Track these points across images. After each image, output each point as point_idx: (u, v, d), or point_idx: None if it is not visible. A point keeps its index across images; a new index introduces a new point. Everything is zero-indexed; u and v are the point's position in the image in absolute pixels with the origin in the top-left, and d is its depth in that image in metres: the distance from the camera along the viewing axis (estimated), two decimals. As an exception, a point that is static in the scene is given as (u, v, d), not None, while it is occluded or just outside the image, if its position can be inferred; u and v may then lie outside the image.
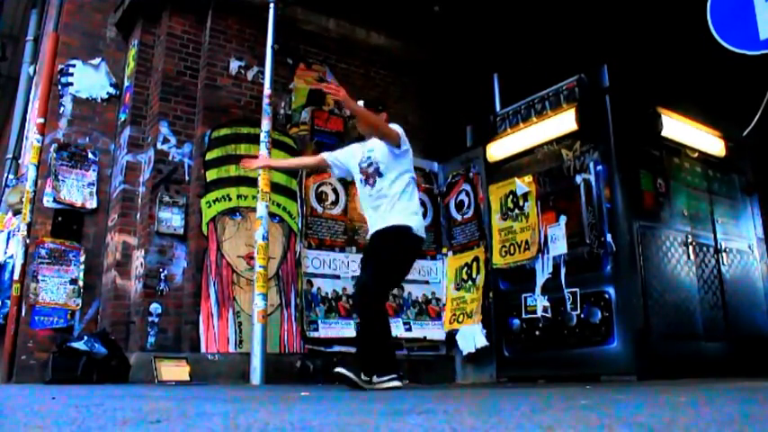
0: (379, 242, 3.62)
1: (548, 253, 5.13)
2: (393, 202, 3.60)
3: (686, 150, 5.47)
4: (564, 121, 5.21)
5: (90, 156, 5.59)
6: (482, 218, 5.92)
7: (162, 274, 5.06)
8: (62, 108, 5.55)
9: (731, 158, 5.86)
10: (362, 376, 3.41)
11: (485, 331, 5.60)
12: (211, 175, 5.31)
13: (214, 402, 2.33)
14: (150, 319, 4.93)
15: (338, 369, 3.44)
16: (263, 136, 4.93)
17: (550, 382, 4.81)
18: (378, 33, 6.47)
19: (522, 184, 5.44)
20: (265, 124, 4.95)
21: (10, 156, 6.94)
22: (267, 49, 5.16)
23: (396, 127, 3.76)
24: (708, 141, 5.71)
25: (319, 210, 5.76)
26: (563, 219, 5.07)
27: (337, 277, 5.66)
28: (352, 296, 3.73)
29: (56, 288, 5.18)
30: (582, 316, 4.79)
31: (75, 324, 5.20)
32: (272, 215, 5.05)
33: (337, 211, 5.86)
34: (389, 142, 3.67)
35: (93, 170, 5.57)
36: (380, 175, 3.67)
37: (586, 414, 1.67)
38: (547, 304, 5.07)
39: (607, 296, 4.67)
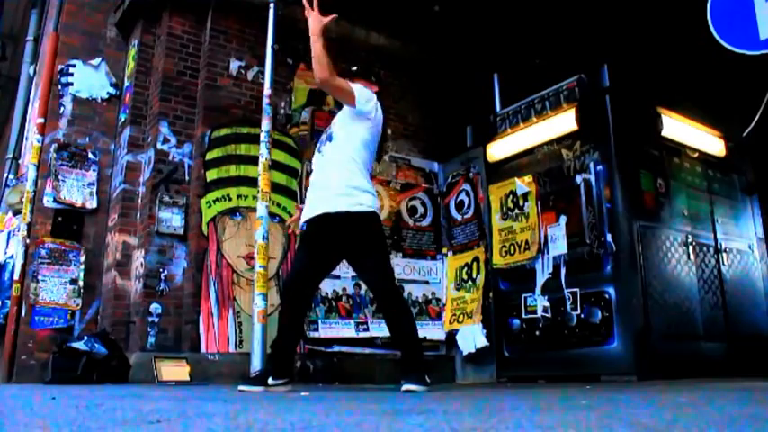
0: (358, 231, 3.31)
1: (548, 253, 5.13)
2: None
3: (686, 150, 5.47)
4: (564, 121, 5.21)
5: (90, 156, 5.59)
6: (482, 218, 5.92)
7: (162, 274, 5.06)
8: (62, 108, 5.55)
9: (731, 158, 5.86)
10: (271, 379, 3.35)
11: (485, 331, 5.60)
12: (211, 175, 5.31)
13: (214, 402, 2.32)
14: (150, 319, 4.93)
15: (241, 387, 3.34)
16: (263, 136, 4.93)
17: (550, 382, 4.81)
18: (378, 33, 6.47)
19: (522, 184, 5.44)
20: (265, 124, 4.94)
21: (10, 156, 6.94)
22: (267, 49, 5.15)
23: (358, 87, 3.37)
24: (708, 141, 5.71)
25: (319, 210, 5.76)
26: (563, 219, 5.07)
27: (337, 277, 5.65)
28: (382, 300, 3.40)
29: (56, 288, 5.18)
30: (582, 316, 4.79)
31: (75, 324, 5.19)
32: (272, 215, 5.04)
33: (337, 211, 5.86)
34: (345, 101, 3.33)
35: (94, 170, 5.57)
36: (330, 139, 3.41)
37: (586, 414, 1.67)
38: (547, 304, 5.07)
39: (607, 296, 4.67)
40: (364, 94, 3.37)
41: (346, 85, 3.34)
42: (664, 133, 5.21)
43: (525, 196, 5.41)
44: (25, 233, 5.15)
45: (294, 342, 3.64)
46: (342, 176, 3.33)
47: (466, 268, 5.98)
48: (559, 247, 5.04)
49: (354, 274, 5.80)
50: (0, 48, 8.11)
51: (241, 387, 3.39)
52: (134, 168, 5.44)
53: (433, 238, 6.33)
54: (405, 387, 3.17)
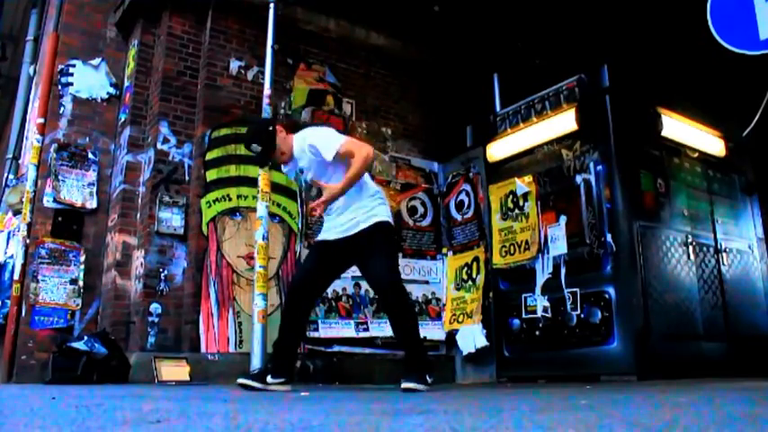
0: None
1: (548, 253, 5.13)
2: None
3: (686, 150, 5.47)
4: (564, 121, 5.21)
5: (90, 156, 5.59)
6: (482, 218, 5.92)
7: (162, 274, 5.06)
8: (62, 108, 5.54)
9: (731, 158, 5.86)
10: (271, 378, 3.38)
11: (485, 331, 5.60)
12: (211, 175, 5.31)
13: (214, 402, 2.33)
14: (150, 319, 4.93)
15: (240, 380, 3.40)
16: (263, 136, 4.93)
17: (550, 382, 4.81)
18: (378, 33, 6.47)
19: (522, 184, 5.43)
20: (265, 124, 4.94)
21: (10, 156, 6.93)
22: (267, 49, 5.16)
23: (338, 142, 3.39)
24: (708, 141, 5.71)
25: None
26: (563, 219, 5.07)
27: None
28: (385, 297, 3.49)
29: (56, 288, 5.17)
30: (582, 316, 4.79)
31: (75, 324, 5.19)
32: (272, 215, 5.04)
33: (337, 211, 5.85)
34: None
35: (93, 170, 5.56)
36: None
37: (586, 414, 1.67)
38: (547, 304, 5.07)
39: (607, 296, 4.67)
40: (334, 142, 3.39)
41: (363, 146, 3.40)
42: (664, 133, 5.21)
43: (525, 196, 5.41)
44: (25, 233, 5.14)
45: (297, 343, 3.68)
46: (356, 208, 3.43)
47: (466, 268, 5.98)
48: (559, 247, 5.04)
49: (354, 274, 5.84)
50: (0, 48, 8.11)
51: (240, 380, 3.40)
52: (134, 168, 5.44)
53: (433, 238, 6.33)
54: (404, 385, 3.18)
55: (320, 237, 3.62)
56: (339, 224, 3.48)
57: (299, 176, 3.67)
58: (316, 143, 3.40)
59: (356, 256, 3.53)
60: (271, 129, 3.48)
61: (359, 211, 3.42)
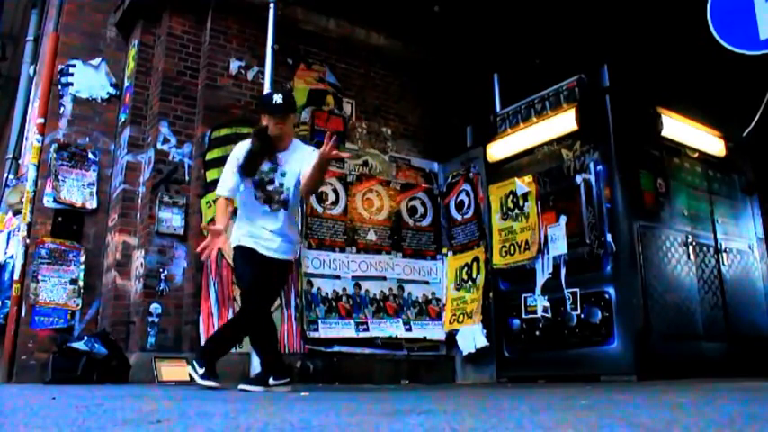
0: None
1: (548, 253, 5.13)
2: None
3: (686, 150, 5.47)
4: (564, 121, 5.21)
5: (90, 156, 5.59)
6: (482, 218, 5.92)
7: (162, 275, 5.06)
8: (62, 108, 5.55)
9: (731, 158, 5.86)
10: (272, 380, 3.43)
11: (485, 331, 5.60)
12: (211, 175, 5.31)
13: (214, 402, 2.33)
14: (150, 319, 4.93)
15: (241, 386, 3.43)
16: (263, 136, 4.92)
17: (550, 382, 4.81)
18: (378, 33, 6.47)
19: (522, 184, 5.43)
20: (265, 124, 4.93)
21: (10, 156, 6.94)
22: (267, 49, 5.16)
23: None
24: (708, 141, 5.71)
25: (319, 210, 5.76)
26: (563, 219, 5.07)
27: (337, 277, 5.65)
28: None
29: (56, 288, 5.17)
30: (582, 316, 4.79)
31: (75, 324, 5.19)
32: (272, 215, 5.03)
33: (337, 211, 5.86)
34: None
35: (94, 170, 5.57)
36: (286, 208, 3.55)
37: (586, 414, 1.67)
38: (547, 304, 5.07)
39: (607, 296, 4.67)
40: None
41: None
42: (664, 133, 5.21)
43: (525, 196, 5.41)
44: (25, 233, 5.14)
45: (277, 341, 3.77)
46: (291, 233, 3.62)
47: (466, 268, 5.98)
48: (559, 247, 5.04)
49: (354, 274, 5.85)
50: (0, 48, 8.11)
51: (242, 386, 3.40)
52: (134, 168, 5.44)
53: (432, 238, 6.32)
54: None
55: (247, 244, 3.55)
56: (272, 243, 3.51)
57: (272, 177, 3.55)
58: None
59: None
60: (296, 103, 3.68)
61: (292, 238, 3.62)
